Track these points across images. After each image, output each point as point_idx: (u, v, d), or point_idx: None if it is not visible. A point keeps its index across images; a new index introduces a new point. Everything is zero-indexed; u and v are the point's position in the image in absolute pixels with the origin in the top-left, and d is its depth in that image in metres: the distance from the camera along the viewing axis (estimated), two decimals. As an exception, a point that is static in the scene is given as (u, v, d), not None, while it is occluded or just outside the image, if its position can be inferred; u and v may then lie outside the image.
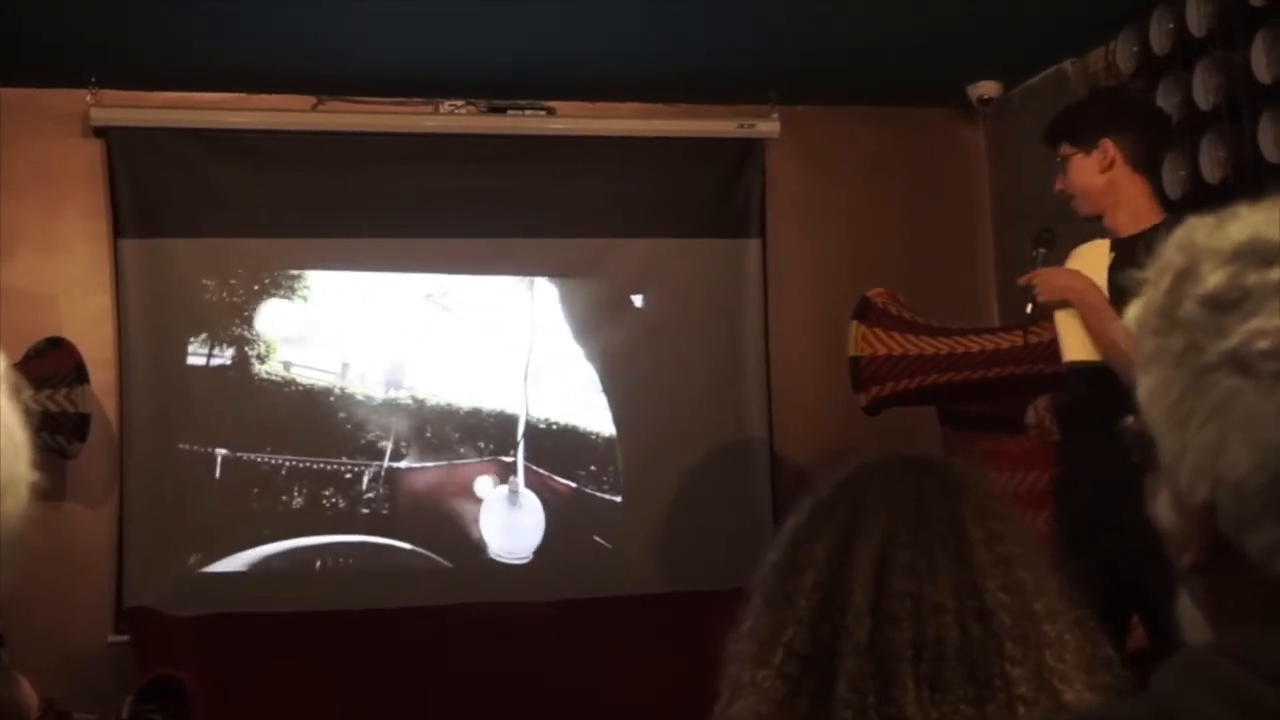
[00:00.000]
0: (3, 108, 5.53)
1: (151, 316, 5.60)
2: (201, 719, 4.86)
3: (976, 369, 4.88)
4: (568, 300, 6.01)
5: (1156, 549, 1.09)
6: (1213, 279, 0.99)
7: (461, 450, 5.88)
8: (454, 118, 5.87)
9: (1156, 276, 1.04)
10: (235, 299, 5.74)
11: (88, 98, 5.55)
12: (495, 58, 5.40)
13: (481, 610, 5.48)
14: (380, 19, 4.91)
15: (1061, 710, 1.44)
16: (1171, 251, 1.04)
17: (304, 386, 5.79)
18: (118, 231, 5.59)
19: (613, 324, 6.02)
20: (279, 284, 5.80)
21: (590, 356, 6.01)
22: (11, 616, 4.56)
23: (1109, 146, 3.76)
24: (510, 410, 5.93)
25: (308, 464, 5.74)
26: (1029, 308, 3.87)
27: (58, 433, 5.10)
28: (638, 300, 6.05)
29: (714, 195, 6.06)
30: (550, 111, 5.96)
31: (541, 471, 5.94)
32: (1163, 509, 1.04)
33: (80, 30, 4.95)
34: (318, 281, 5.83)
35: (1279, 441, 0.94)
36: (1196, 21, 4.60)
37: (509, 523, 5.89)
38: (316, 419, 5.78)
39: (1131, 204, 3.72)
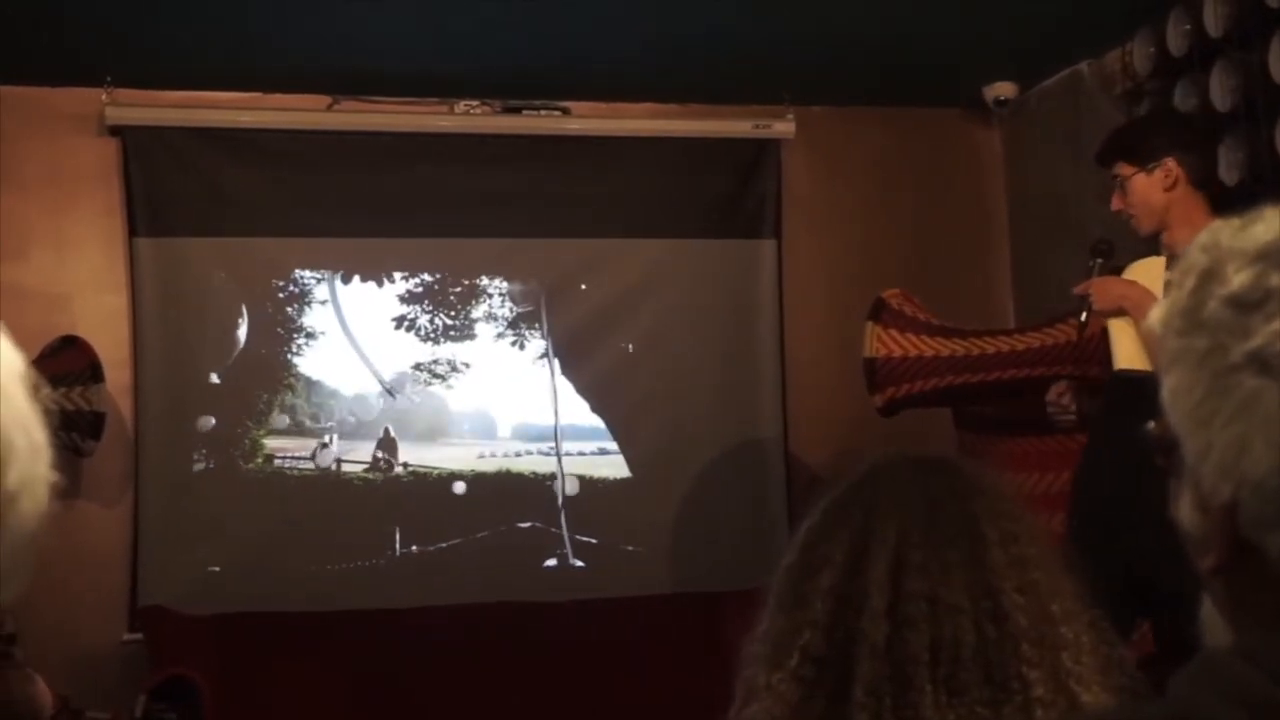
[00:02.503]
0: (18, 106, 5.54)
1: (166, 315, 5.61)
2: (214, 717, 4.87)
3: (992, 370, 4.86)
4: (582, 300, 6.01)
5: (1173, 553, 1.08)
6: (1237, 279, 0.99)
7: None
8: (469, 118, 5.88)
9: (1181, 278, 1.04)
10: (250, 297, 5.74)
11: (103, 97, 5.56)
12: (510, 58, 5.40)
13: (493, 610, 5.48)
14: (395, 19, 4.91)
15: (1078, 712, 1.43)
16: (1196, 253, 1.04)
17: (327, 388, 5.80)
18: (132, 230, 5.60)
19: (627, 324, 6.01)
20: (293, 282, 5.80)
21: (604, 355, 6.00)
22: (26, 614, 4.56)
23: (1172, 166, 3.74)
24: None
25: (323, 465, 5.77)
26: (1083, 315, 3.86)
27: (73, 431, 5.11)
28: (652, 300, 6.03)
29: (729, 195, 6.06)
30: (565, 112, 5.96)
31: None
32: (1185, 511, 1.04)
33: (95, 29, 4.96)
34: (332, 281, 5.84)
35: None
36: (1214, 22, 4.58)
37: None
38: (334, 419, 5.79)
39: (1191, 221, 3.69)
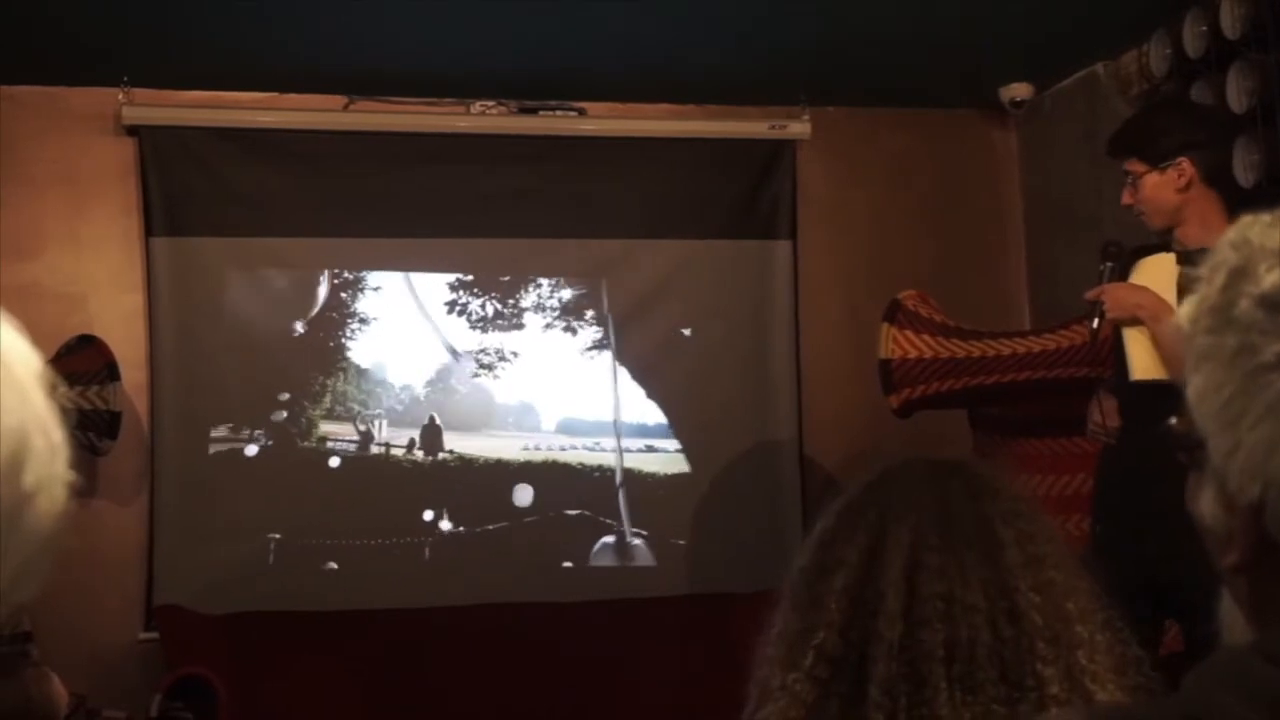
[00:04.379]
0: (36, 106, 5.56)
1: (182, 314, 5.62)
2: (229, 716, 4.88)
3: (1007, 372, 4.86)
4: (597, 302, 6.01)
5: (1197, 555, 1.08)
6: (1269, 279, 0.99)
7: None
8: (485, 118, 5.88)
9: (1210, 274, 1.03)
10: (266, 297, 5.76)
11: (120, 97, 5.57)
12: (526, 58, 5.40)
13: (507, 610, 5.48)
14: (411, 19, 4.91)
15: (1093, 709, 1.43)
16: (1225, 250, 1.03)
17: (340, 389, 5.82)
18: (149, 230, 5.61)
19: (643, 325, 6.01)
20: (311, 282, 5.82)
21: (620, 358, 6.00)
22: (42, 613, 4.58)
23: (1186, 165, 3.71)
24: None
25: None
26: (1095, 322, 3.81)
27: (89, 430, 5.13)
28: (667, 301, 6.03)
29: (744, 196, 6.05)
30: (581, 112, 5.96)
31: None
32: (1207, 506, 1.03)
33: (112, 30, 4.97)
34: (351, 280, 5.85)
35: None
36: (1230, 24, 4.57)
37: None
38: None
39: (1204, 218, 3.66)
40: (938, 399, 4.95)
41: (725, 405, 6.00)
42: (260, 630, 5.29)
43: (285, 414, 5.74)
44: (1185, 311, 1.04)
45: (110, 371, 5.26)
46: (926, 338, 4.93)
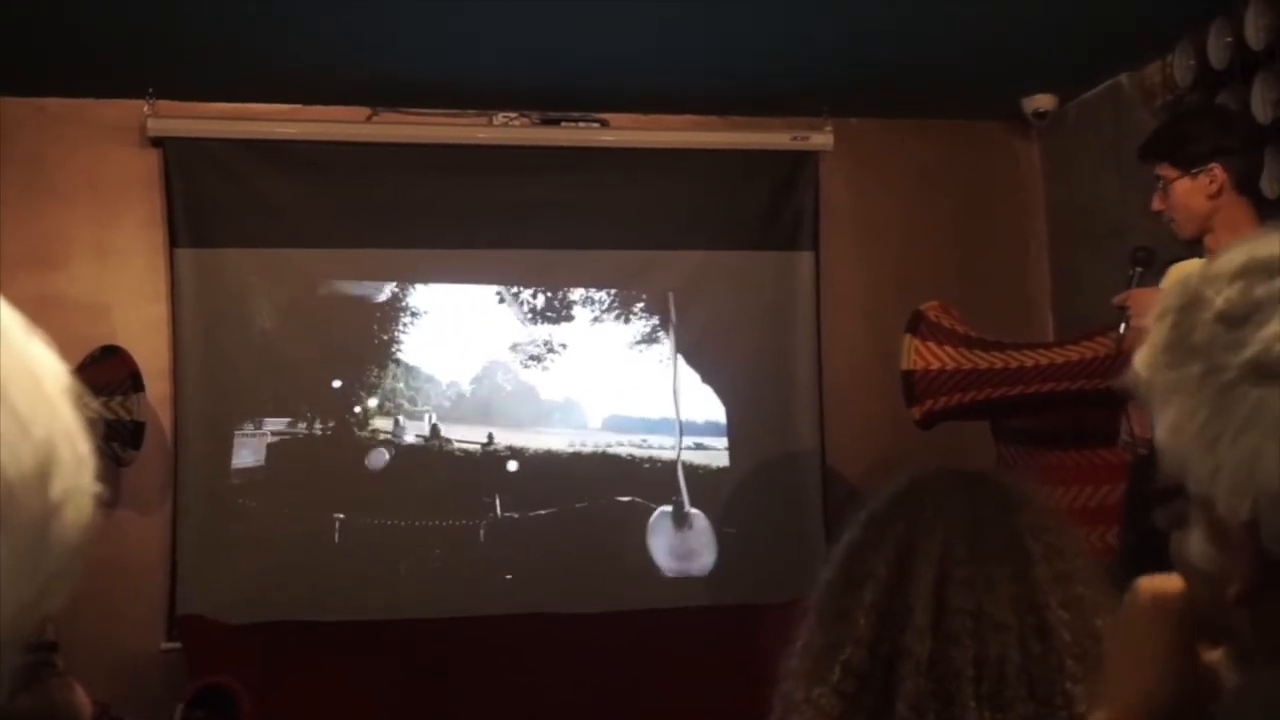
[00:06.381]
0: (61, 118, 5.59)
1: (206, 325, 5.64)
2: (252, 727, 4.89)
3: (1031, 384, 4.84)
4: (631, 312, 6.02)
5: None
6: (1221, 298, 1.00)
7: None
8: (507, 129, 5.89)
9: (1158, 321, 1.05)
10: (289, 308, 5.77)
11: (145, 108, 5.59)
12: (549, 70, 5.41)
13: (530, 621, 5.48)
14: (434, 31, 4.92)
15: None
16: (1167, 298, 1.05)
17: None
18: (173, 241, 5.64)
19: (666, 335, 6.01)
20: (336, 294, 5.84)
21: (654, 365, 6.01)
22: (66, 623, 4.59)
23: (1218, 172, 3.69)
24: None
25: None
26: (1121, 327, 3.80)
27: (113, 440, 5.14)
28: (691, 312, 6.03)
29: (766, 207, 6.05)
30: (603, 123, 5.96)
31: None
32: (1197, 549, 1.03)
33: (137, 42, 4.99)
34: (378, 291, 5.87)
35: None
36: (1255, 34, 4.55)
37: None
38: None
39: (1234, 225, 3.63)
40: (960, 410, 4.94)
41: (748, 415, 6.00)
42: (283, 640, 5.29)
43: (320, 420, 5.75)
44: (1140, 361, 1.05)
45: (134, 382, 5.27)
46: (949, 349, 4.92)
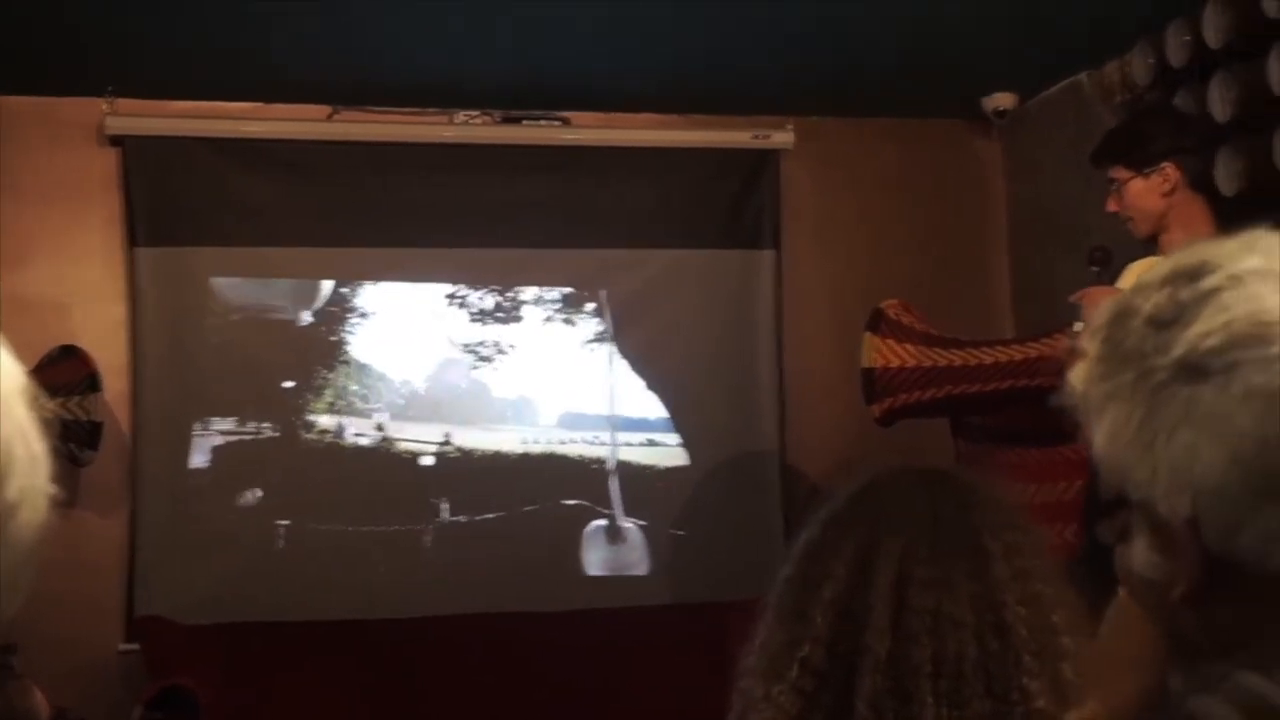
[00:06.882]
0: (20, 116, 5.55)
1: (166, 325, 5.61)
2: (212, 728, 4.86)
3: (990, 381, 4.86)
4: (583, 309, 6.01)
5: None
6: (1150, 304, 1.04)
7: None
8: (469, 128, 5.88)
9: (1090, 339, 1.09)
10: (251, 306, 5.75)
11: (103, 106, 5.56)
12: (510, 69, 5.40)
13: (494, 621, 5.47)
14: (396, 30, 4.91)
15: None
16: (1099, 316, 1.09)
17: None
18: (132, 240, 5.61)
19: (626, 333, 6.01)
20: (301, 290, 5.82)
21: (604, 364, 6.00)
22: (23, 624, 4.55)
23: (1170, 171, 3.72)
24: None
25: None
26: (1077, 325, 3.82)
27: (70, 441, 5.11)
28: (652, 311, 6.03)
29: (728, 206, 6.06)
30: (565, 122, 5.96)
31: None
32: (1141, 557, 1.05)
33: (96, 40, 4.96)
34: (337, 290, 5.85)
35: (1248, 429, 0.96)
36: (1213, 34, 4.58)
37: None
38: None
39: (1189, 224, 3.67)
40: (920, 408, 4.95)
41: (709, 414, 6.01)
42: (243, 641, 5.27)
43: (273, 421, 5.73)
44: (1076, 375, 1.08)
45: (92, 382, 5.24)
46: (909, 346, 4.93)
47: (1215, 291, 1.00)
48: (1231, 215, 3.74)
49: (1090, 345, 1.08)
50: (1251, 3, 4.37)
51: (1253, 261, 1.02)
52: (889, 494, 1.58)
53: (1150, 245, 3.79)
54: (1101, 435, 1.05)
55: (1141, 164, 3.75)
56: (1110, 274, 3.89)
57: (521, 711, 5.19)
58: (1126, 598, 1.18)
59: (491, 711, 5.19)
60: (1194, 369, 0.98)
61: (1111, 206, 3.82)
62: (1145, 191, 3.74)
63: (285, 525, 5.65)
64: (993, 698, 1.43)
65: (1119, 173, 3.79)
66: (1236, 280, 1.00)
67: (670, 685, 5.18)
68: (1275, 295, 0.99)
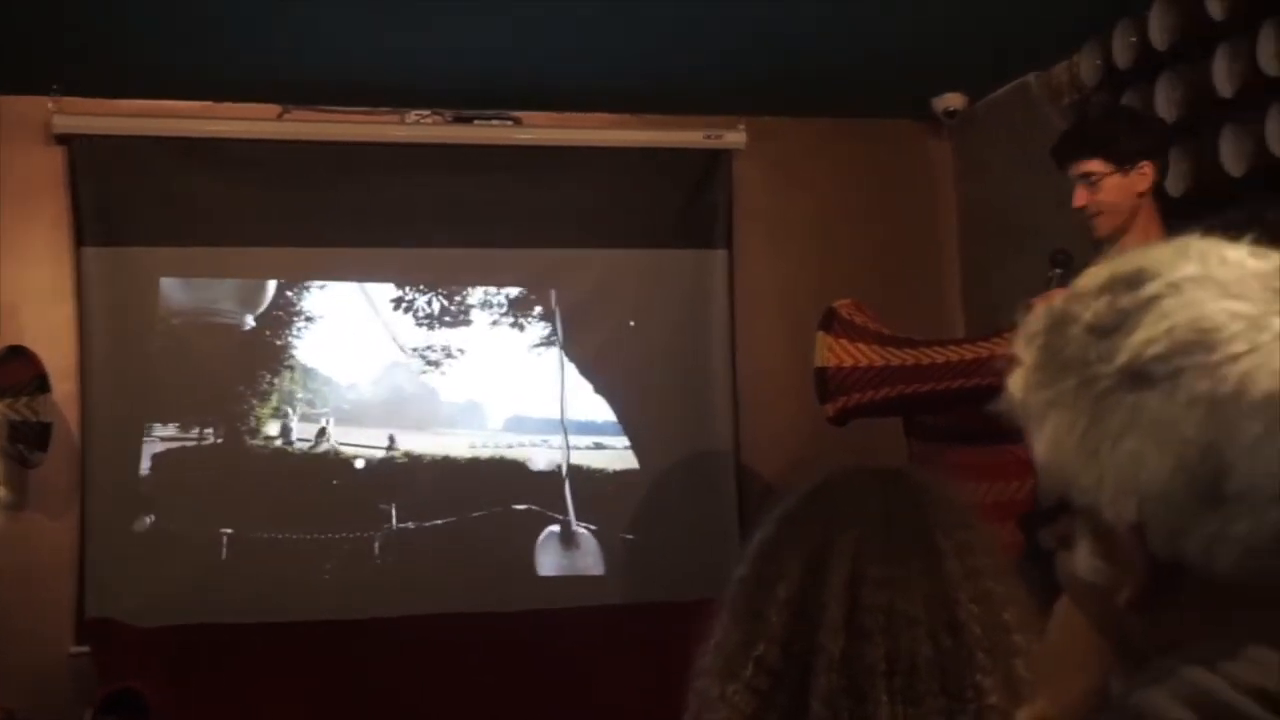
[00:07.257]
0: (-36, 115, 5.50)
1: (114, 325, 5.57)
2: (163, 731, 4.83)
3: (942, 380, 4.88)
4: (533, 311, 6.00)
5: None
6: (1090, 312, 1.04)
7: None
8: (420, 128, 5.86)
9: (1025, 348, 1.09)
10: (201, 306, 5.71)
11: (49, 105, 5.51)
12: (462, 68, 5.39)
13: (445, 621, 5.45)
14: (346, 29, 4.89)
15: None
16: (1032, 325, 1.10)
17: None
18: (80, 240, 5.55)
19: (578, 334, 6.01)
20: (246, 293, 5.78)
21: (555, 366, 6.00)
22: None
23: (1148, 170, 3.73)
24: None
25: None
26: None
27: (19, 442, 5.07)
28: (604, 310, 6.03)
29: (680, 206, 6.06)
30: (516, 122, 5.95)
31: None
32: (1084, 562, 1.06)
33: (42, 37, 4.91)
34: (290, 291, 5.82)
35: (1191, 436, 0.97)
36: (1159, 35, 4.62)
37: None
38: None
39: (1146, 229, 3.68)
40: (873, 407, 4.96)
41: (662, 414, 6.01)
42: (195, 643, 5.23)
43: (220, 424, 5.69)
44: (1014, 384, 1.09)
45: (41, 383, 5.20)
46: (862, 346, 4.94)
47: (1156, 299, 1.01)
48: (1178, 218, 3.77)
49: (1026, 353, 1.09)
50: (1197, 4, 4.41)
51: (1189, 269, 1.03)
52: (842, 493, 1.59)
53: (1103, 245, 3.79)
54: (1043, 442, 1.05)
55: (1122, 159, 3.74)
56: (1072, 276, 3.89)
57: (473, 711, 5.17)
58: (1067, 602, 1.18)
59: (442, 712, 5.17)
60: (1138, 376, 0.99)
61: (1080, 200, 3.79)
62: (1122, 187, 3.74)
63: (233, 529, 5.60)
64: (947, 695, 1.44)
65: (1095, 166, 3.76)
66: (1175, 288, 1.01)
67: (625, 685, 5.17)
68: (1213, 302, 1.00)
